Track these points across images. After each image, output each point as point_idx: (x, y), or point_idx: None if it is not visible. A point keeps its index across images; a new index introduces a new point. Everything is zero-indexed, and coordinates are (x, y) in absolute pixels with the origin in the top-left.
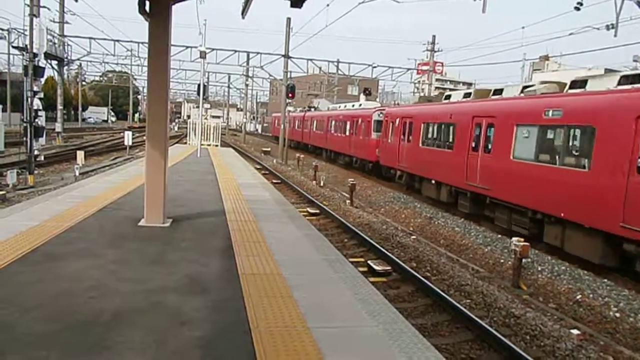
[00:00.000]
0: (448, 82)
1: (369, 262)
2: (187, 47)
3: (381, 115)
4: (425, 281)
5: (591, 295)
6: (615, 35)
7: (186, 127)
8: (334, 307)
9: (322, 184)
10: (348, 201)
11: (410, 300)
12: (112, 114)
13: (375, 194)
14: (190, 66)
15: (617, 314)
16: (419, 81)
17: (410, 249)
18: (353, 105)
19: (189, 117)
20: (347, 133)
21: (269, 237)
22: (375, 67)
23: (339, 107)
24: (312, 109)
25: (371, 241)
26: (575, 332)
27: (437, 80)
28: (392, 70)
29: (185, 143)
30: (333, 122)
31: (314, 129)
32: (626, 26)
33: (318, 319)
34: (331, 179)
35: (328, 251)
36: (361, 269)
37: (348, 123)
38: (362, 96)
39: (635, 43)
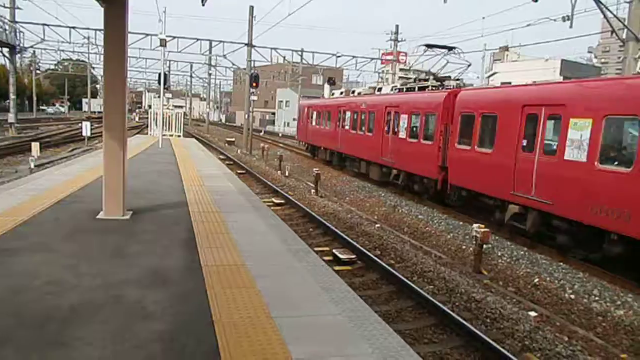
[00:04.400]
0: (411, 72)
1: (334, 251)
2: (147, 34)
3: None
4: (390, 268)
5: (548, 279)
6: (570, 27)
7: (147, 118)
8: (298, 296)
9: (287, 174)
10: (313, 191)
11: (374, 287)
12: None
13: (340, 184)
14: (151, 55)
15: (572, 296)
16: (383, 70)
17: (374, 237)
18: None
19: (149, 107)
20: None
21: (233, 228)
22: (339, 56)
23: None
24: (453, 85)
25: (336, 230)
26: (532, 314)
27: (400, 70)
28: (357, 59)
29: (147, 134)
30: None
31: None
32: (581, 18)
33: (282, 308)
34: (296, 168)
35: (293, 241)
36: (326, 257)
37: None
38: (326, 86)
39: (590, 34)
